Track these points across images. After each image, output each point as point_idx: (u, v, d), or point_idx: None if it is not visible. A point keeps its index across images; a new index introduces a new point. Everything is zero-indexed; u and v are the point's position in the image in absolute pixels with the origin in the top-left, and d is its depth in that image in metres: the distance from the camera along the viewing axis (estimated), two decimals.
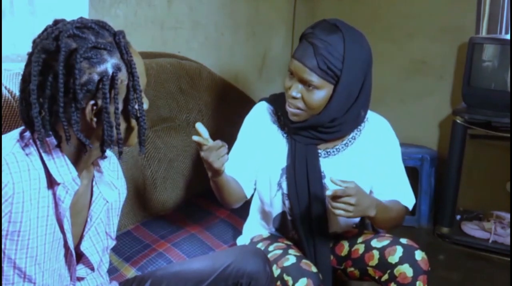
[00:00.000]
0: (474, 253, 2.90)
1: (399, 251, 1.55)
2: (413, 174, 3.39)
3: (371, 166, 1.66)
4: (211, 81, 2.31)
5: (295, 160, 1.63)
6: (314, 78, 1.51)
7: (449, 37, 3.24)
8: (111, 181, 1.24)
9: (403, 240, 1.58)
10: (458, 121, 2.89)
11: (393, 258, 1.54)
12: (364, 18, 3.44)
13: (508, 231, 2.89)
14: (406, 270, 1.52)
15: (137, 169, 1.91)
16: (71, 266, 1.19)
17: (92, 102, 1.05)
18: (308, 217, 1.64)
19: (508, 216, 2.99)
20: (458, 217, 3.11)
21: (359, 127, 1.67)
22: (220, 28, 2.75)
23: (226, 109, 2.32)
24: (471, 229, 2.99)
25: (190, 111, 2.18)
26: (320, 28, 1.53)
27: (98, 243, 1.24)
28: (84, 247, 1.21)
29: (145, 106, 1.13)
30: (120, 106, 1.08)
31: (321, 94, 1.53)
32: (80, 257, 1.22)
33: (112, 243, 1.32)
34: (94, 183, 1.22)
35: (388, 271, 1.55)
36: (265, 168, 1.68)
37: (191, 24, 2.55)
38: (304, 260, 1.54)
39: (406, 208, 1.69)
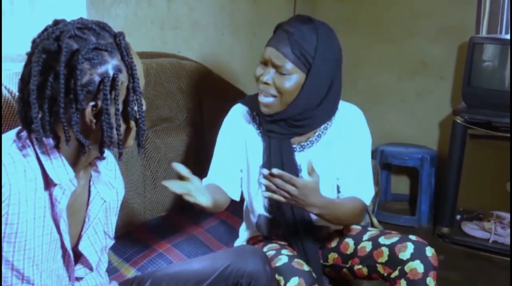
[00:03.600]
0: (474, 253, 2.90)
1: (410, 247, 1.55)
2: (413, 174, 3.41)
3: (341, 154, 1.67)
4: (211, 81, 2.31)
5: (270, 156, 1.65)
6: (287, 63, 1.54)
7: (449, 37, 3.24)
8: (108, 181, 1.24)
9: (412, 237, 1.59)
10: (458, 121, 2.89)
11: (404, 255, 1.55)
12: (364, 18, 3.45)
13: (508, 231, 2.89)
14: (417, 266, 1.52)
15: (137, 169, 1.91)
16: (69, 266, 1.19)
17: (92, 103, 1.05)
18: (288, 213, 1.65)
19: (508, 216, 2.99)
20: (458, 217, 3.11)
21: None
22: (220, 28, 2.75)
23: (226, 109, 2.31)
24: (471, 229, 2.99)
25: (190, 111, 2.18)
26: (294, 19, 1.60)
27: (97, 242, 1.24)
28: (83, 247, 1.20)
29: (144, 107, 1.13)
30: (120, 107, 1.08)
31: (293, 80, 1.56)
32: (79, 256, 1.22)
33: (111, 242, 1.32)
34: (91, 183, 1.21)
35: (399, 268, 1.55)
36: (245, 167, 1.71)
37: (191, 24, 2.55)
38: (296, 259, 1.54)
39: (365, 204, 1.67)
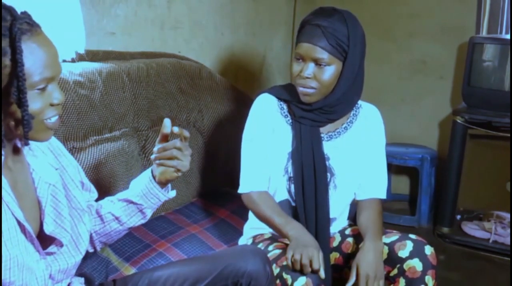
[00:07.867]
0: (474, 253, 2.89)
1: (409, 245, 1.57)
2: (413, 174, 3.40)
3: (363, 149, 1.75)
4: (211, 81, 2.32)
5: (301, 142, 1.70)
6: (325, 56, 1.61)
7: (449, 37, 3.24)
8: (48, 163, 1.23)
9: (412, 236, 1.61)
10: (458, 121, 2.89)
11: (403, 253, 1.56)
12: (364, 18, 3.42)
13: (508, 231, 2.89)
14: (416, 264, 1.54)
15: (137, 169, 1.91)
16: (33, 240, 1.16)
17: None
18: (311, 202, 1.68)
19: (508, 216, 2.99)
20: (458, 217, 3.11)
21: (355, 113, 1.78)
22: (220, 28, 2.76)
23: (226, 109, 2.32)
24: (471, 229, 2.99)
25: (190, 111, 2.18)
26: (320, 12, 1.65)
27: (64, 222, 1.23)
28: (50, 230, 1.19)
29: (61, 97, 1.09)
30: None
31: (331, 70, 1.63)
32: (53, 240, 1.20)
33: (85, 214, 1.30)
34: (31, 170, 1.20)
35: (398, 266, 1.56)
36: (271, 155, 1.73)
37: (191, 24, 2.56)
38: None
39: (381, 200, 1.79)
